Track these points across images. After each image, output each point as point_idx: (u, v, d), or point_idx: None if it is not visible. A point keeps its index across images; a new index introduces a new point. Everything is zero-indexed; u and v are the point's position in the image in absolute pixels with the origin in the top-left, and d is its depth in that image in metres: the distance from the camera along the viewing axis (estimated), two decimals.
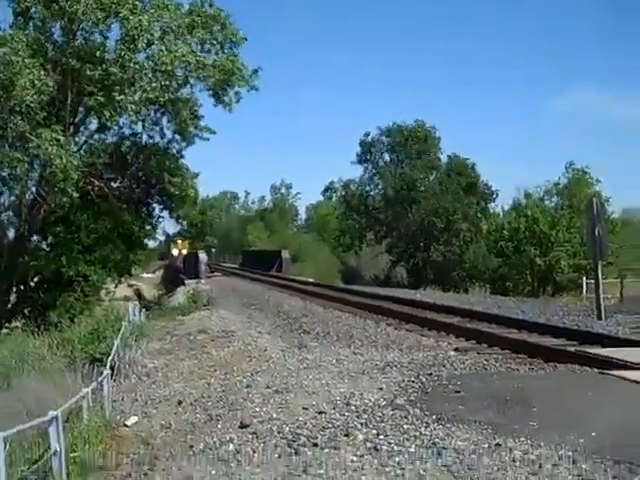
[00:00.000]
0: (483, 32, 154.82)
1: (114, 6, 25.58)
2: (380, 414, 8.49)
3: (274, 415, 9.13)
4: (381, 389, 9.84)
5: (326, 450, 7.38)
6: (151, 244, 42.64)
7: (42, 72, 24.55)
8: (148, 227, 34.70)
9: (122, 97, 25.56)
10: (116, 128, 30.80)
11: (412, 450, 7.09)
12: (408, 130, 59.00)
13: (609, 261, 29.85)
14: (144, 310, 26.92)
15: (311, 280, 44.73)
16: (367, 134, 61.09)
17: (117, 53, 26.16)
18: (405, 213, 54.40)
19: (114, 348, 16.08)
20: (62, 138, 24.64)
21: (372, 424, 8.11)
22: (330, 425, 8.26)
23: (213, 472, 7.36)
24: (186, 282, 46.57)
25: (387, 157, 60.64)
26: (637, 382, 9.14)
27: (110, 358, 15.19)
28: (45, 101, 25.23)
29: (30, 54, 24.36)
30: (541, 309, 23.86)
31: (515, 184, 52.40)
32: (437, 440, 7.29)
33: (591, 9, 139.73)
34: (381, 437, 7.60)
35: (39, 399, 11.26)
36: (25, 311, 30.58)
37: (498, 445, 7.01)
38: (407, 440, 7.40)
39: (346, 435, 7.79)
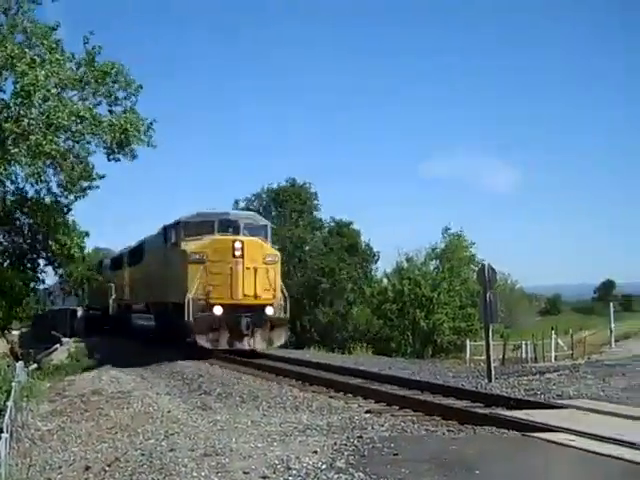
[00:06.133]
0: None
1: (10, 59, 24.91)
2: (325, 478, 8.48)
3: None
4: (316, 452, 9.83)
5: None
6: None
7: None
8: (32, 283, 33.45)
9: (16, 150, 24.74)
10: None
11: None
12: (277, 190, 59.58)
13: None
14: (26, 369, 25.84)
15: None
16: (237, 201, 60.69)
17: (11, 107, 25.39)
18: (290, 272, 54.61)
19: (8, 410, 15.38)
20: None
21: None
22: None
23: None
24: (63, 340, 44.75)
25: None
26: (564, 445, 9.52)
27: (4, 421, 14.55)
28: None
29: None
30: (431, 371, 24.48)
31: (396, 246, 53.32)
32: None
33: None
34: None
35: None
36: None
37: None
38: None
39: None
